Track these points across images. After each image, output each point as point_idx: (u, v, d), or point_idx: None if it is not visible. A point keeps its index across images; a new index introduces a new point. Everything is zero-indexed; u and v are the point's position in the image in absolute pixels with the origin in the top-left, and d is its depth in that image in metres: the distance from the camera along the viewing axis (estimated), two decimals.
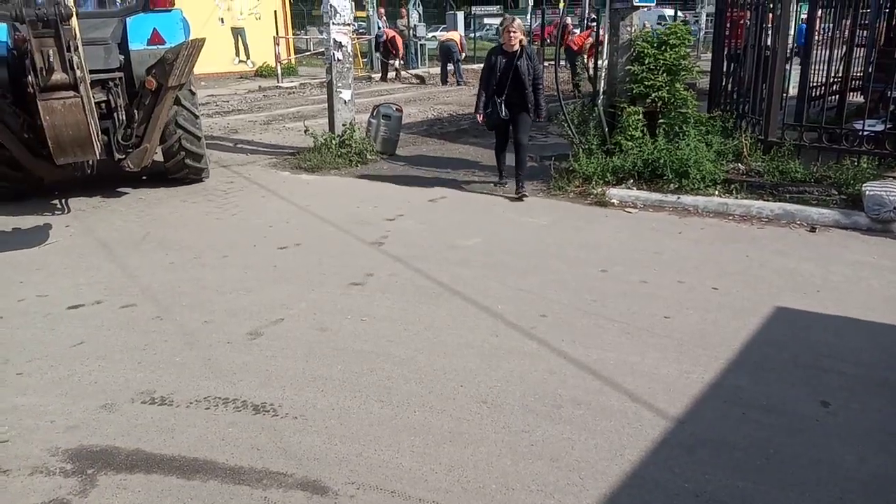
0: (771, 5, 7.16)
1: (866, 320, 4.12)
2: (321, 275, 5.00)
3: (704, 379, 3.49)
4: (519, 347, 3.87)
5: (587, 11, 21.33)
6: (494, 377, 3.55)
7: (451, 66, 17.94)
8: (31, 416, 3.30)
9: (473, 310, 4.36)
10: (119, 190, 7.30)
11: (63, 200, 6.88)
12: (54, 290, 4.79)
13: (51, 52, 4.88)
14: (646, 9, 7.28)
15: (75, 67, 4.98)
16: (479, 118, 6.92)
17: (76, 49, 5.07)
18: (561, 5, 29.03)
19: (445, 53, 17.88)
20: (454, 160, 8.66)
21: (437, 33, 26.97)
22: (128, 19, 6.75)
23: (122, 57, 6.59)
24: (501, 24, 6.97)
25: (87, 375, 3.67)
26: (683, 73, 6.99)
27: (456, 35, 18.42)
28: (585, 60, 14.19)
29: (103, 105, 6.42)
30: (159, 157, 7.29)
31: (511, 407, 3.29)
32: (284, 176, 8.10)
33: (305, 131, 8.89)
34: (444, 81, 17.99)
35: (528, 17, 29.91)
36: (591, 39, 14.71)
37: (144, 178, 7.56)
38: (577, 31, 16.26)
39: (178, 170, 7.26)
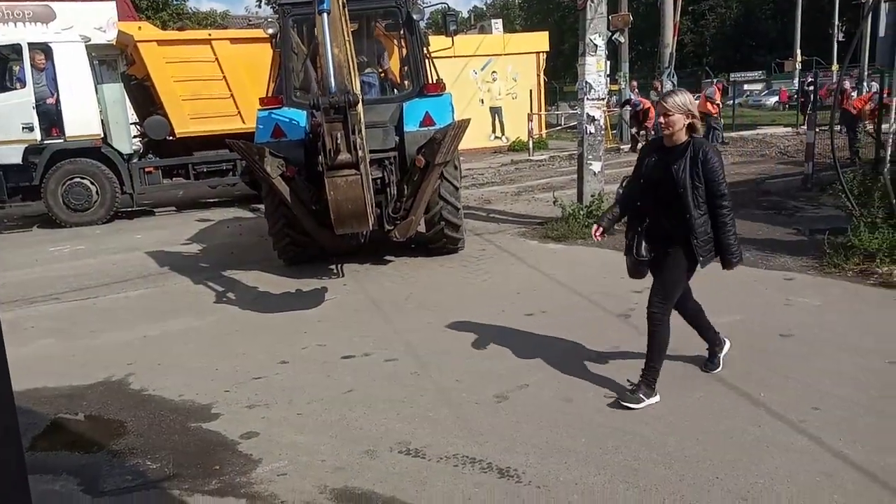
0: None
1: None
2: (566, 344, 5.00)
3: None
4: (786, 442, 3.48)
5: (866, 73, 19.30)
6: (756, 473, 3.23)
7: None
8: (306, 453, 3.71)
9: (732, 395, 4.03)
10: (386, 258, 8.05)
11: (339, 265, 7.76)
12: (332, 341, 5.40)
13: (339, 135, 5.51)
14: None
15: (358, 149, 5.59)
16: (596, 234, 4.32)
17: (360, 132, 5.70)
18: (834, 68, 26.64)
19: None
20: None
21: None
22: (404, 104, 7.46)
23: (397, 138, 7.23)
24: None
25: (355, 421, 4.05)
26: None
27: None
28: (865, 125, 12.79)
29: (378, 181, 7.02)
30: (421, 227, 7.89)
31: None
32: (533, 245, 8.34)
33: (555, 202, 9.10)
34: None
35: (796, 81, 27.74)
36: (871, 104, 13.26)
37: (413, 246, 8.24)
38: (855, 94, 14.72)
39: (438, 239, 7.74)
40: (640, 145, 18.59)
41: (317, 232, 7.12)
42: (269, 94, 7.84)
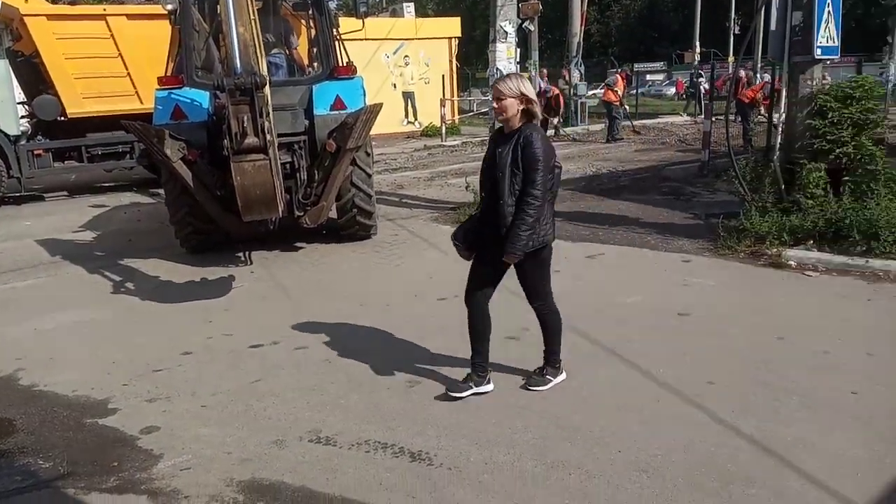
0: None
1: None
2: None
3: None
4: (683, 415, 3.65)
5: (760, 65, 20.44)
6: (655, 445, 3.37)
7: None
8: (211, 446, 3.60)
9: (633, 371, 4.19)
10: (296, 244, 7.87)
11: (246, 253, 7.51)
12: (238, 330, 5.24)
13: (245, 117, 5.32)
14: (829, 61, 6.84)
15: (266, 132, 5.41)
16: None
17: (267, 115, 5.52)
18: (730, 59, 28.06)
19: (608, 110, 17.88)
20: (613, 216, 8.50)
21: (598, 91, 27.02)
22: (314, 87, 7.24)
23: (307, 121, 7.06)
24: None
25: (263, 412, 3.95)
26: (871, 127, 6.44)
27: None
28: (759, 114, 13.54)
29: (287, 166, 6.82)
30: (333, 213, 7.77)
31: (674, 479, 3.10)
32: (445, 230, 8.35)
33: (467, 187, 9.16)
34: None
35: (692, 72, 29.16)
36: (762, 94, 14.05)
37: (324, 232, 8.11)
38: (750, 84, 15.55)
39: (350, 226, 7.65)
40: (549, 132, 19.07)
41: (222, 218, 6.88)
42: (169, 74, 7.49)
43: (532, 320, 5.07)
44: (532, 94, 3.72)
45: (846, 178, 6.50)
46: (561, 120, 19.47)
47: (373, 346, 4.81)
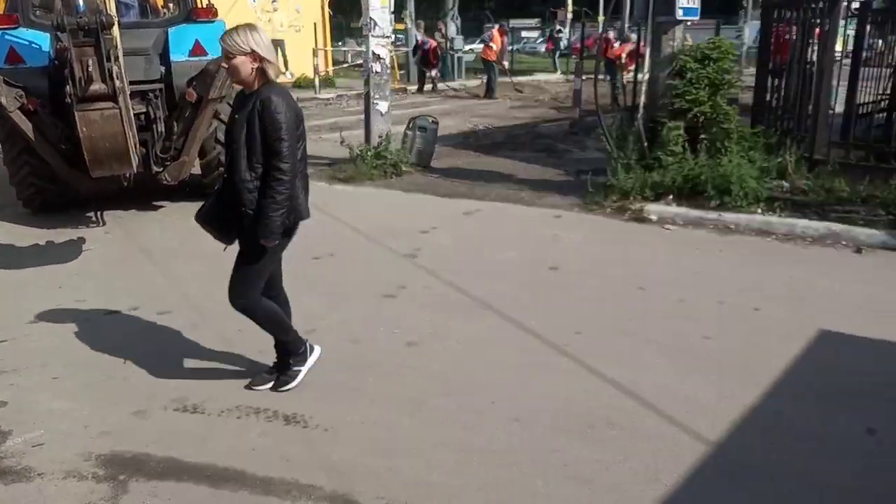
0: (818, 20, 7.00)
1: None
2: (354, 286, 5.00)
3: (745, 403, 3.37)
4: (553, 364, 3.80)
5: (627, 25, 21.25)
6: (527, 395, 3.49)
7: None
8: (66, 420, 3.34)
9: (507, 325, 4.30)
10: (156, 203, 7.36)
11: (99, 213, 6.93)
12: (93, 296, 4.86)
13: (90, 61, 4.86)
14: (689, 23, 7.17)
15: (115, 78, 4.97)
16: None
17: (116, 59, 5.08)
18: (600, 19, 28.98)
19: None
20: (489, 173, 8.62)
21: (475, 46, 27.12)
22: (170, 30, 6.66)
23: (163, 68, 6.55)
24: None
25: (123, 381, 3.71)
26: (726, 87, 6.85)
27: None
28: (624, 72, 14.07)
29: (142, 117, 6.35)
30: (196, 169, 7.29)
31: (543, 426, 3.22)
32: (320, 186, 8.14)
33: (341, 142, 8.93)
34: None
35: (568, 30, 29.95)
36: (627, 48, 14.58)
37: (188, 190, 7.63)
38: (617, 44, 16.13)
39: (217, 184, 7.25)
40: (427, 86, 18.97)
41: (69, 175, 6.26)
42: (1, 12, 6.67)
43: (408, 278, 5.07)
44: (266, 49, 3.14)
45: (703, 136, 6.91)
46: (438, 74, 19.39)
47: None
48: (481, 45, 20.01)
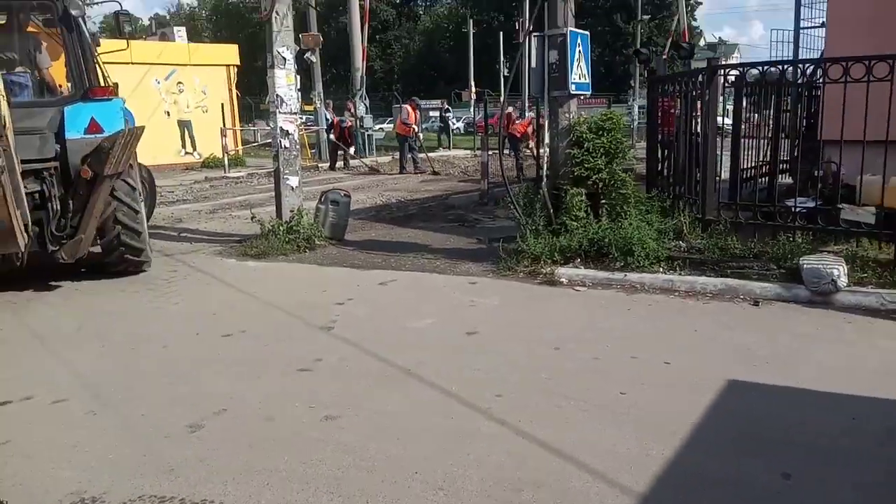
0: (698, 92, 7.59)
1: (818, 391, 4.15)
2: (267, 362, 4.81)
3: (665, 455, 3.42)
4: (475, 430, 3.74)
5: (528, 102, 22.35)
6: (450, 462, 3.40)
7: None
8: None
9: (428, 391, 4.23)
10: (53, 284, 6.97)
11: None
12: None
13: None
14: (582, 96, 7.62)
15: None
16: None
17: (2, 138, 4.93)
18: (502, 98, 30.51)
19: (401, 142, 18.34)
20: (403, 244, 8.67)
21: (385, 125, 27.79)
22: (66, 108, 6.64)
23: (58, 146, 6.49)
24: None
25: (12, 477, 3.37)
26: (621, 156, 7.26)
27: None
28: (528, 146, 14.71)
29: (37, 195, 6.26)
30: (98, 248, 7.05)
31: (469, 493, 3.14)
32: (230, 263, 7.94)
33: (252, 218, 8.82)
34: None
35: (472, 110, 31.36)
36: (531, 128, 15.32)
37: (83, 269, 7.29)
38: (519, 120, 16.91)
39: (117, 263, 7.09)
40: (339, 164, 19.15)
41: None
42: None
43: (324, 350, 4.98)
44: None
45: (603, 201, 7.25)
46: (353, 151, 19.66)
47: (148, 392, 4.35)
48: (394, 122, 20.56)
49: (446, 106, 31.74)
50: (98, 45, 7.41)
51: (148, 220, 10.00)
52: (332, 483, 3.25)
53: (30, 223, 5.45)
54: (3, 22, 7.35)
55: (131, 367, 4.79)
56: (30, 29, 7.70)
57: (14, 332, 5.62)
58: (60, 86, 7.52)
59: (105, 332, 5.56)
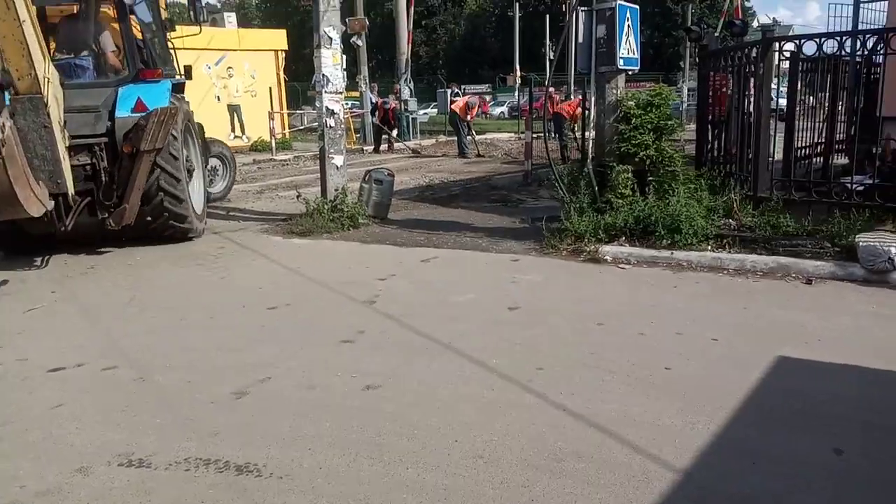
0: (752, 67, 7.32)
1: (872, 368, 3.99)
2: (311, 333, 4.87)
3: (710, 429, 3.33)
4: (516, 401, 3.72)
5: (572, 84, 21.99)
6: (491, 431, 3.39)
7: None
8: (0, 481, 3.11)
9: (468, 364, 4.22)
10: (108, 258, 7.31)
11: (45, 259, 7.08)
12: (35, 354, 4.63)
13: None
14: (630, 71, 7.44)
15: (2, 129, 5.19)
16: None
17: (12, 115, 5.42)
18: (547, 80, 30.07)
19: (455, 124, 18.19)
20: (445, 223, 8.65)
21: (429, 110, 27.71)
22: (120, 89, 7.27)
23: (109, 123, 7.06)
24: None
25: (64, 438, 3.49)
26: (669, 131, 7.08)
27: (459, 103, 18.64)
28: (573, 128, 14.48)
29: (88, 168, 6.93)
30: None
31: (509, 462, 3.12)
32: (276, 241, 8.05)
33: (298, 196, 8.91)
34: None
35: (516, 94, 30.95)
36: (575, 103, 15.06)
37: (136, 238, 7.70)
38: (564, 102, 16.64)
39: (164, 229, 7.59)
40: (383, 147, 19.21)
41: None
42: None
43: (366, 324, 5.00)
44: None
45: (650, 178, 7.09)
46: (394, 134, 19.71)
47: (194, 360, 4.44)
48: (455, 100, 20.35)
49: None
50: (173, 30, 8.35)
51: (228, 195, 10.78)
52: (373, 449, 3.27)
53: (37, 190, 5.81)
54: (74, 11, 7.96)
55: (179, 336, 4.91)
56: (101, 13, 8.10)
57: (69, 303, 5.81)
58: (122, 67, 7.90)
59: (155, 304, 5.70)
